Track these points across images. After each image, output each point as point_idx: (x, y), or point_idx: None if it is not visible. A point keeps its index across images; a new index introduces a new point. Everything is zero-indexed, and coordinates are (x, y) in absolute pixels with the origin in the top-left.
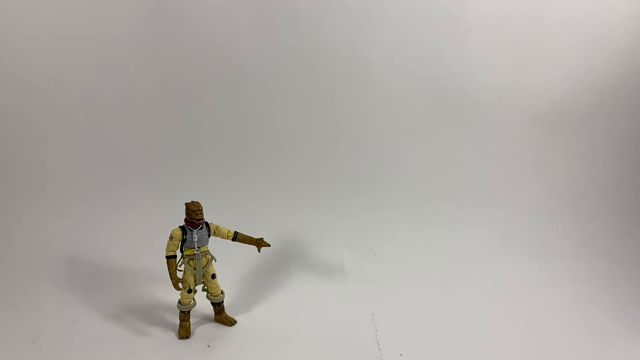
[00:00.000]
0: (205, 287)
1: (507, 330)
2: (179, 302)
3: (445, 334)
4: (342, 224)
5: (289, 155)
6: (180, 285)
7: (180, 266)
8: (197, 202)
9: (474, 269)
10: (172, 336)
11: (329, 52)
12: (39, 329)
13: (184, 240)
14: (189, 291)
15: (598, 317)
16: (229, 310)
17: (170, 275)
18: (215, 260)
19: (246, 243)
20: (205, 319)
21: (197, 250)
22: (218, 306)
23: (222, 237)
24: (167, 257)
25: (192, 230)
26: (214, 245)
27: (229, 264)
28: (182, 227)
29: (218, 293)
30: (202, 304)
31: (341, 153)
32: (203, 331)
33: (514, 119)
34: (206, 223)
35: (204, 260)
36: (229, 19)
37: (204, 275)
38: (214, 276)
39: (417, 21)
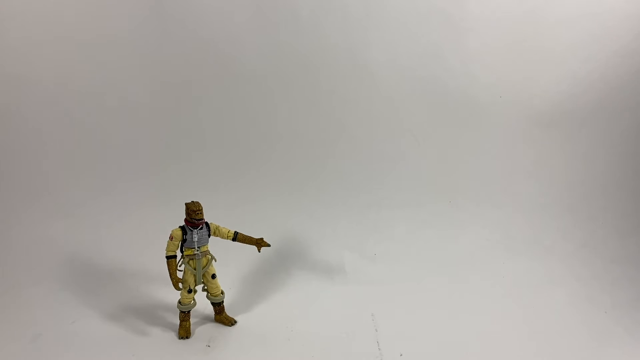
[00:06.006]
0: (205, 287)
1: (507, 330)
2: (179, 302)
3: (445, 333)
4: (342, 224)
5: (289, 155)
6: (180, 285)
7: (180, 266)
8: (197, 202)
9: (474, 269)
10: (172, 336)
11: (329, 52)
12: (39, 329)
13: (184, 240)
14: (189, 291)
15: (598, 317)
16: (229, 310)
17: (170, 275)
18: (215, 260)
19: (246, 243)
20: (205, 319)
21: (197, 250)
22: (218, 306)
23: (222, 237)
24: (167, 257)
25: (192, 230)
26: (214, 245)
27: (229, 264)
28: (182, 227)
29: (218, 293)
30: (202, 304)
31: (341, 153)
32: (203, 331)
33: (514, 119)
34: (206, 223)
35: (204, 260)
36: (229, 18)
37: (204, 275)
38: (214, 276)
39: (417, 21)
